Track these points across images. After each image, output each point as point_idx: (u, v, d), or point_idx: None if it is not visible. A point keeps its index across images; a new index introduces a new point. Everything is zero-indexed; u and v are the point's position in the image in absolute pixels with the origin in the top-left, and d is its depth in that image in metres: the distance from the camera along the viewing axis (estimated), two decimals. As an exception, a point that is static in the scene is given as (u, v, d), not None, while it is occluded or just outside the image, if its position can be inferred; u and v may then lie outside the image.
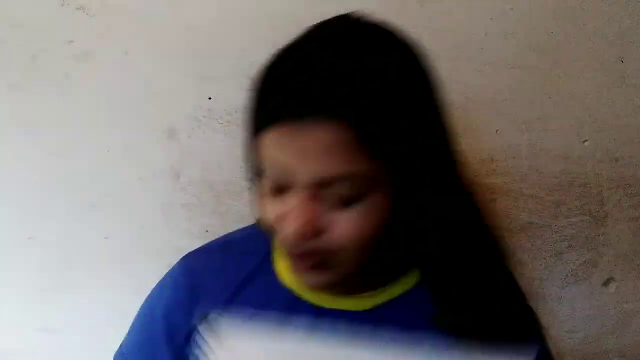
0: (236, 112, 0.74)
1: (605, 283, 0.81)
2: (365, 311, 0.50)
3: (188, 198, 0.76)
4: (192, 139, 0.75)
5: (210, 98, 0.74)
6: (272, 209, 0.44)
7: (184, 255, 0.57)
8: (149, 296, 0.57)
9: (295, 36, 0.46)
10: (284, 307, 0.49)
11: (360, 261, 0.46)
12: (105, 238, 0.76)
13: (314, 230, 0.42)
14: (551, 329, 0.81)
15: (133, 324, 0.57)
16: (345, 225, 0.42)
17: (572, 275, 0.80)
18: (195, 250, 0.58)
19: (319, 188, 0.41)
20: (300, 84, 0.40)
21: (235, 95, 0.72)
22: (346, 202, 0.42)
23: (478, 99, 0.77)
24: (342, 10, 0.74)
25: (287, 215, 0.42)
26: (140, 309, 0.57)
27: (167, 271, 0.57)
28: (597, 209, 0.79)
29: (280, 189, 0.43)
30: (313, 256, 0.44)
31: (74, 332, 0.76)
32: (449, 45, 0.75)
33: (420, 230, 0.46)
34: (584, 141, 0.78)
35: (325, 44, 0.43)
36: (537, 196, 0.78)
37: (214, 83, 0.74)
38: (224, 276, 0.54)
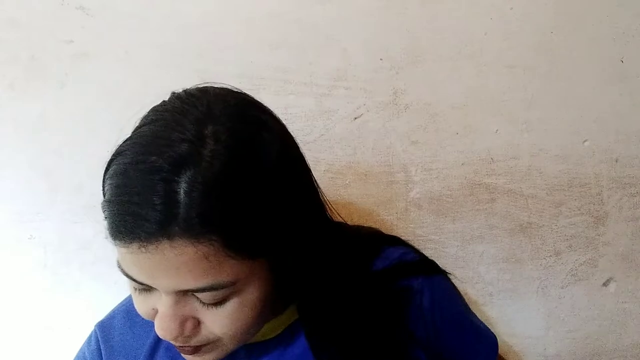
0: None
1: (605, 283, 0.81)
2: (272, 339, 0.51)
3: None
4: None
5: (210, 98, 0.74)
6: (141, 305, 0.44)
7: (95, 324, 0.58)
8: None
9: (133, 135, 0.42)
10: None
11: (248, 336, 0.46)
12: (105, 238, 0.75)
13: (185, 333, 0.41)
14: (551, 329, 0.81)
15: None
16: (222, 321, 0.42)
17: (572, 275, 0.80)
18: (106, 318, 0.59)
19: (183, 293, 0.40)
20: (145, 201, 0.37)
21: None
22: (219, 302, 0.41)
23: (478, 99, 0.77)
24: (341, 11, 0.74)
25: (155, 316, 0.42)
26: None
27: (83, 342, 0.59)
28: (597, 209, 0.79)
29: (146, 287, 0.42)
30: (194, 347, 0.43)
31: (74, 332, 0.76)
32: (449, 45, 0.76)
33: (298, 278, 0.46)
34: (584, 141, 0.78)
35: (164, 149, 0.38)
36: (537, 196, 0.78)
37: (213, 83, 0.74)
38: (136, 341, 0.55)
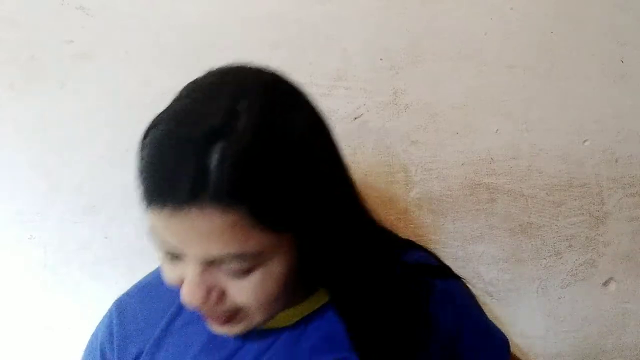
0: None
1: (605, 283, 0.81)
2: (286, 327, 0.52)
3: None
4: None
5: (210, 98, 0.74)
6: (170, 273, 0.45)
7: (116, 299, 0.59)
8: (89, 340, 0.60)
9: (172, 101, 0.45)
10: (211, 333, 0.51)
11: (273, 310, 0.47)
12: (105, 238, 0.76)
13: (210, 301, 0.43)
14: (551, 329, 0.81)
15: None
16: (246, 292, 0.43)
17: (572, 275, 0.80)
18: (126, 292, 0.60)
19: (212, 262, 0.42)
20: (178, 169, 0.39)
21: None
22: (244, 272, 0.42)
23: (478, 99, 0.77)
24: (341, 11, 0.74)
25: (183, 283, 0.43)
26: (83, 352, 0.60)
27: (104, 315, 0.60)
28: (597, 209, 0.79)
29: (175, 255, 0.43)
30: (220, 316, 0.45)
31: (74, 332, 0.76)
32: (449, 45, 0.76)
33: (326, 260, 0.47)
34: (584, 141, 0.78)
35: (198, 121, 0.40)
36: (537, 196, 0.78)
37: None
38: (154, 313, 0.56)
